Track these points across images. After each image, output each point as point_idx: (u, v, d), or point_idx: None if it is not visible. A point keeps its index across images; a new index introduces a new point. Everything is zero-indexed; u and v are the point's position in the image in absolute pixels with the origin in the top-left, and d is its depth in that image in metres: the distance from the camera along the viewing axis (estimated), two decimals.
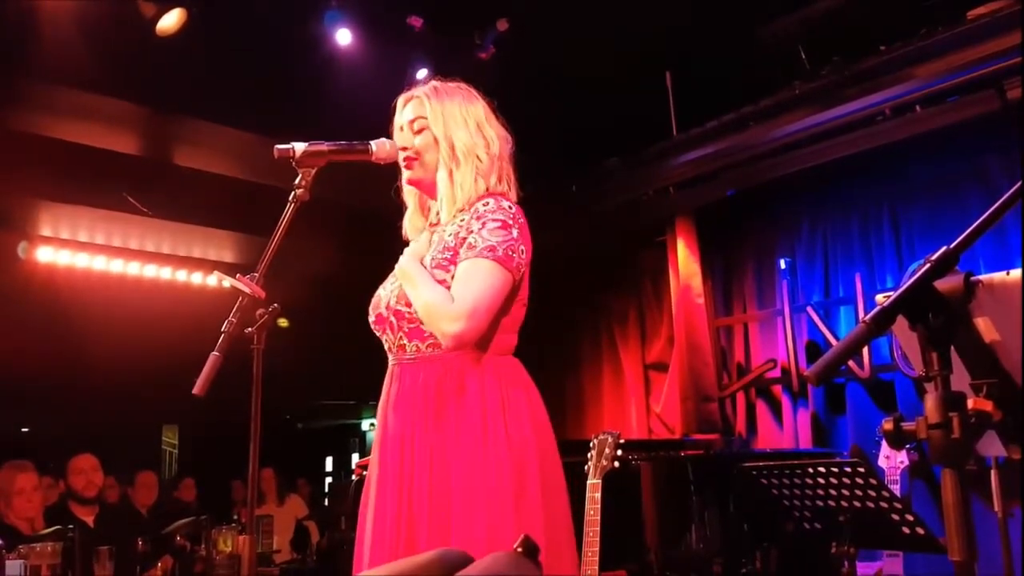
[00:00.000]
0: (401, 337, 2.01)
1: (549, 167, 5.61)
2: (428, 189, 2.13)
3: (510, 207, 2.02)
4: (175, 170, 5.37)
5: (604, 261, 6.48)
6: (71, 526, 3.90)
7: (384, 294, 2.09)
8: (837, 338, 5.03)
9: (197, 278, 6.47)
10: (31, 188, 5.22)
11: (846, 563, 3.16)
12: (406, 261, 2.04)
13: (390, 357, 2.08)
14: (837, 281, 5.34)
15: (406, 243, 2.19)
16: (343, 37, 4.55)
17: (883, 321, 1.28)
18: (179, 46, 4.32)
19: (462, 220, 2.02)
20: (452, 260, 1.96)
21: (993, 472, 2.86)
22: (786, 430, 5.42)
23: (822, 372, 1.30)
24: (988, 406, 1.41)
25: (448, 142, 2.05)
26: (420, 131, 2.08)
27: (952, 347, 1.45)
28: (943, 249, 1.33)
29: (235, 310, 2.09)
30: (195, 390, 2.03)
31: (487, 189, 2.06)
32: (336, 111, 4.34)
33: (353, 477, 4.95)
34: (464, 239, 1.97)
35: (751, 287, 5.81)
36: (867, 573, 4.18)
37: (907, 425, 1.30)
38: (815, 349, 5.33)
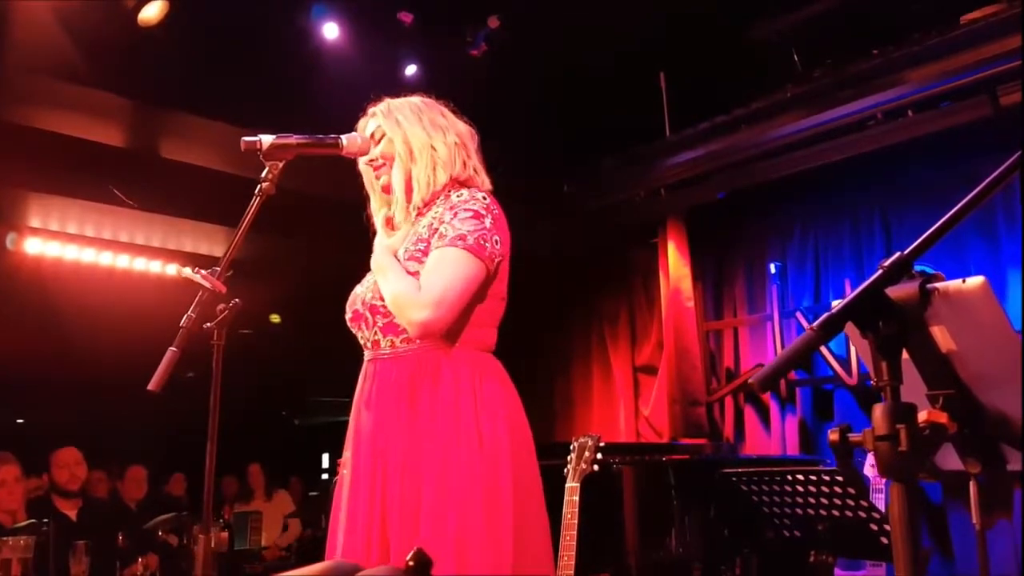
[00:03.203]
0: (376, 332, 1.99)
1: (542, 166, 5.58)
2: None
3: (484, 197, 2.01)
4: (165, 163, 5.35)
5: (596, 261, 6.45)
6: (45, 520, 3.88)
7: (360, 291, 2.08)
8: (827, 344, 4.99)
9: (187, 273, 6.43)
10: (20, 179, 5.20)
11: (823, 575, 3.13)
12: (379, 254, 2.03)
13: (366, 353, 2.06)
14: (828, 286, 5.30)
15: (373, 232, 2.17)
16: (330, 31, 4.50)
17: (831, 328, 1.25)
18: (169, 39, 4.30)
19: (436, 212, 2.01)
20: (425, 252, 1.95)
21: (972, 483, 2.81)
22: (774, 436, 5.39)
23: (766, 379, 1.26)
24: (943, 418, 1.37)
25: (404, 141, 2.06)
26: (380, 139, 2.11)
27: (909, 357, 1.41)
28: (896, 255, 1.29)
29: (194, 305, 2.07)
30: (150, 386, 2.01)
31: (451, 177, 2.06)
32: (324, 106, 4.30)
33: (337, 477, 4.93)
34: (436, 230, 1.96)
35: (741, 291, 5.78)
36: None
37: (854, 436, 1.27)
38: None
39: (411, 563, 0.95)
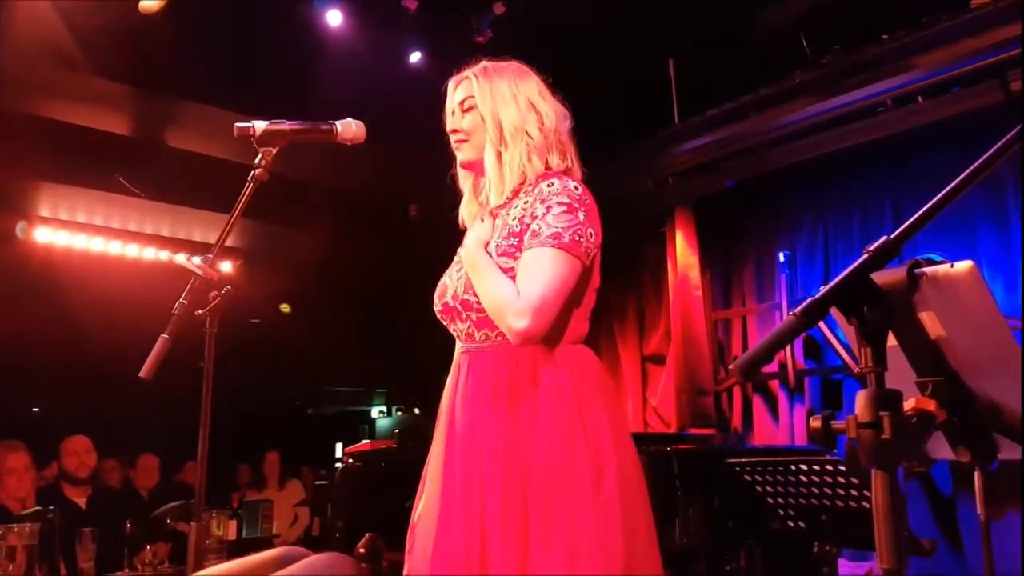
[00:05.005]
0: (470, 326, 1.92)
1: None
2: (482, 170, 2.03)
3: (576, 188, 1.91)
4: (175, 152, 5.37)
5: (603, 251, 6.40)
6: (51, 507, 3.89)
7: (450, 283, 1.99)
8: (835, 334, 4.93)
9: (196, 261, 6.45)
10: (29, 168, 5.23)
11: (827, 566, 3.10)
12: (472, 248, 1.94)
13: (458, 345, 2.00)
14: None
15: (462, 231, 2.09)
16: (333, 18, 4.49)
17: (813, 313, 1.23)
18: (176, 27, 4.30)
19: (526, 203, 1.92)
20: (518, 247, 1.87)
21: (976, 474, 2.76)
22: (782, 425, 5.34)
23: (747, 366, 1.24)
24: (931, 405, 1.34)
25: (495, 121, 1.95)
26: (469, 110, 1.99)
27: (898, 343, 1.39)
28: (882, 239, 1.27)
29: (186, 292, 2.08)
30: (142, 373, 2.03)
31: (546, 166, 1.96)
32: (330, 93, 4.30)
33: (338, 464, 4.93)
34: (528, 224, 1.87)
35: (750, 280, 5.72)
36: (857, 573, 4.12)
37: (837, 423, 1.25)
38: (813, 344, 5.23)
39: (362, 550, 0.93)
